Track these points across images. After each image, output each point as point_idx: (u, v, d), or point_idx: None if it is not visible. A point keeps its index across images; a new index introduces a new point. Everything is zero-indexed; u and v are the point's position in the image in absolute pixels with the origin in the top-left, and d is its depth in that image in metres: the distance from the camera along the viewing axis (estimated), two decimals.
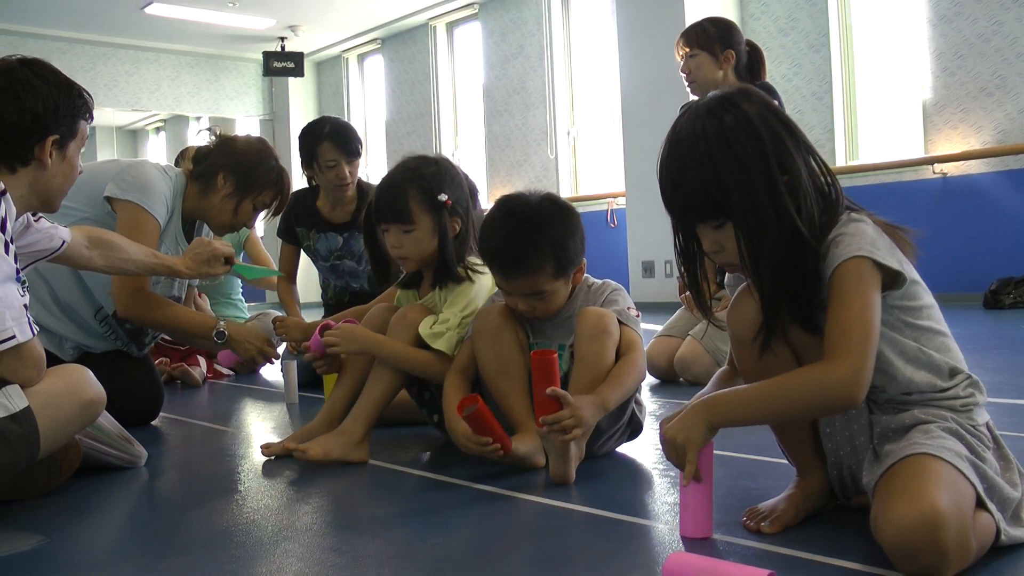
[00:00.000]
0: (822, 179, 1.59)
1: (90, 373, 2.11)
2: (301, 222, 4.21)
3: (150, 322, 2.99)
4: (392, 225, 2.44)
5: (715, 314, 1.78)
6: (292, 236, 4.26)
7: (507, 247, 2.18)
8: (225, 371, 4.66)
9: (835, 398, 1.45)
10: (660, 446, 1.60)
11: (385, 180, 2.47)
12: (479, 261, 2.46)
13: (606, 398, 2.07)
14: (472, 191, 2.57)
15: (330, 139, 3.99)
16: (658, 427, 1.62)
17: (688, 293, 3.67)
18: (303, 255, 4.34)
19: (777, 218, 1.50)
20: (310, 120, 4.20)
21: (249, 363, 2.99)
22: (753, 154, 1.51)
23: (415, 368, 2.43)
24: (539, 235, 2.16)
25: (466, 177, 2.57)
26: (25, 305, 1.90)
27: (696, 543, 1.57)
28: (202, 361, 4.48)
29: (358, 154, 4.05)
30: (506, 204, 2.25)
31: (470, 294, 2.46)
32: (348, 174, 4.01)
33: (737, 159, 1.51)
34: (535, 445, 2.15)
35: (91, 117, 2.15)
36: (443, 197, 2.40)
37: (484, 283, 2.48)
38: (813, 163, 1.58)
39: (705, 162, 1.53)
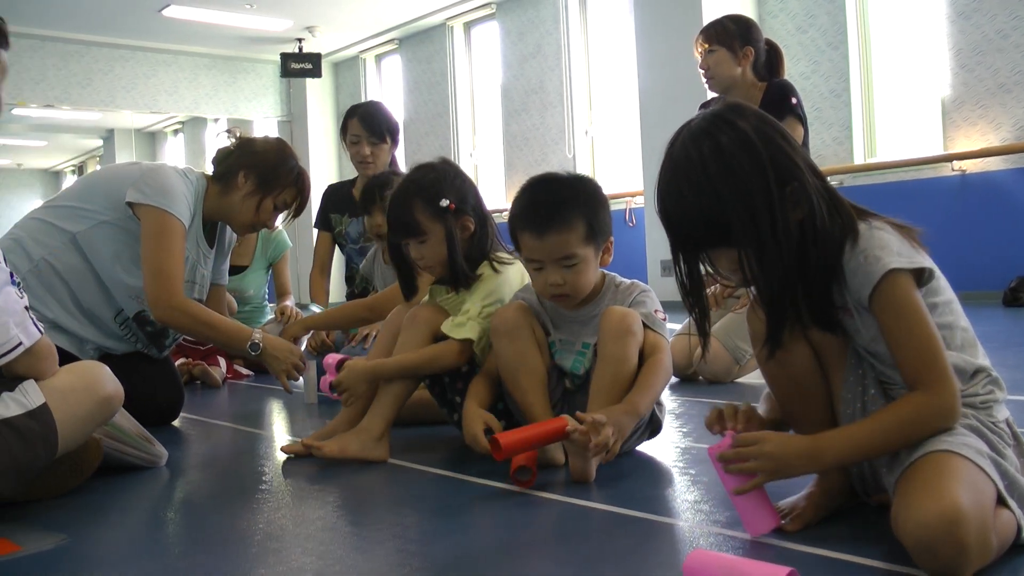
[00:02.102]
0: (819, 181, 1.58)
1: (107, 369, 2.11)
2: (336, 209, 4.52)
3: (186, 329, 3.00)
4: (408, 239, 2.46)
5: (735, 311, 1.77)
6: (327, 223, 4.55)
7: (540, 202, 2.21)
8: (244, 371, 4.67)
9: (945, 424, 1.47)
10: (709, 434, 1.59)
11: (392, 197, 2.47)
12: (506, 255, 2.47)
13: (637, 405, 2.10)
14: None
15: (359, 115, 4.30)
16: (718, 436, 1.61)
17: (714, 288, 3.68)
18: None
19: (776, 233, 1.48)
20: (328, 121, 4.40)
21: (276, 375, 2.96)
22: (752, 172, 1.49)
23: (429, 368, 2.43)
24: (571, 193, 2.21)
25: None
26: (26, 307, 1.88)
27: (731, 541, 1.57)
28: (222, 361, 4.50)
29: (382, 137, 4.30)
30: (535, 177, 2.30)
31: (494, 284, 2.45)
32: (369, 153, 4.26)
33: (738, 180, 1.49)
34: (554, 444, 2.15)
35: (7, 44, 1.97)
36: (444, 202, 2.40)
37: (510, 274, 2.48)
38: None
39: (706, 188, 1.50)
